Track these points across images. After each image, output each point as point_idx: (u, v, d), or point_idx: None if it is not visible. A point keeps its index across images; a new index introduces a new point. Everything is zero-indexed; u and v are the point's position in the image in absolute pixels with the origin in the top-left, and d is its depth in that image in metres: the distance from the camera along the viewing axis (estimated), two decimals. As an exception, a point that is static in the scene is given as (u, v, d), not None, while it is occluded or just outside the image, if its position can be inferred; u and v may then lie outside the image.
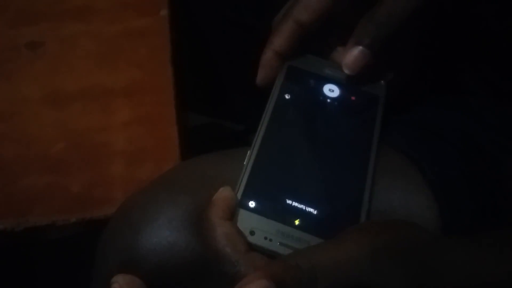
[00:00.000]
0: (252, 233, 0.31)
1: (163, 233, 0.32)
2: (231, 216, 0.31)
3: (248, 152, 0.34)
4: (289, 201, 0.33)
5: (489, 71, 0.45)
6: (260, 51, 0.40)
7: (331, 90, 0.38)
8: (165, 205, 0.33)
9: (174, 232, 0.32)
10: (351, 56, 0.37)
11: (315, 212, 0.33)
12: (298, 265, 0.27)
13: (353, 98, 0.38)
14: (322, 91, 0.38)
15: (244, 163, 0.34)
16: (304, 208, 0.33)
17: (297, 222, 0.32)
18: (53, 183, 0.43)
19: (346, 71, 0.37)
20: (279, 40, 0.37)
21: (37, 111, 0.46)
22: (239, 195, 0.32)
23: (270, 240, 0.31)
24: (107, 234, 0.35)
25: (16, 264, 0.51)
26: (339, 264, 0.28)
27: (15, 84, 0.47)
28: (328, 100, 0.38)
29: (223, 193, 0.32)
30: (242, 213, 0.32)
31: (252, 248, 0.31)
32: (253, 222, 0.31)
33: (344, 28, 0.38)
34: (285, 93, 0.38)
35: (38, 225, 0.42)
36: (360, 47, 0.36)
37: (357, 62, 0.37)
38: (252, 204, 0.32)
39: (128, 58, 0.48)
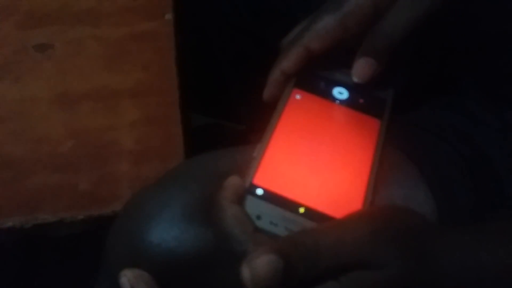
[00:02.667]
0: (258, 218, 0.33)
1: (171, 225, 0.33)
2: (239, 200, 0.33)
3: (258, 145, 0.36)
4: (295, 190, 0.34)
5: (486, 73, 0.47)
6: (262, 54, 0.41)
7: (340, 93, 0.40)
8: (176, 194, 0.34)
9: (183, 223, 0.33)
10: (359, 66, 0.39)
11: (319, 202, 0.34)
12: (304, 243, 0.29)
13: (361, 100, 0.40)
14: (332, 92, 0.40)
15: (254, 154, 0.35)
16: (309, 197, 0.34)
17: (302, 210, 0.33)
18: (61, 181, 0.44)
19: (355, 80, 0.39)
20: (288, 63, 0.39)
21: (45, 111, 0.47)
22: (247, 183, 0.34)
23: (276, 225, 0.32)
24: (116, 228, 0.36)
25: (24, 261, 0.51)
26: (341, 243, 0.29)
27: (24, 85, 0.48)
28: (337, 101, 0.40)
29: (232, 180, 0.33)
30: (250, 199, 0.33)
31: (259, 230, 0.32)
32: (260, 208, 0.33)
33: (348, 47, 0.40)
34: (296, 93, 0.39)
35: (47, 222, 0.42)
36: (367, 58, 0.38)
37: (365, 71, 0.39)
38: (259, 191, 0.34)
39: (134, 61, 0.49)
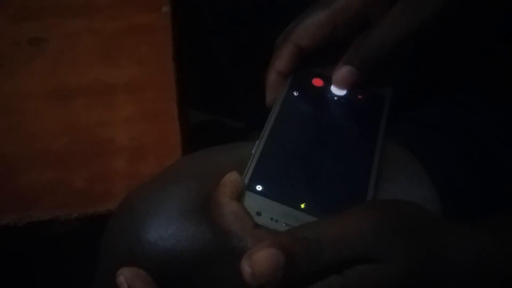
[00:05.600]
0: (258, 214, 0.32)
1: (169, 223, 0.32)
2: (238, 197, 0.32)
3: (257, 141, 0.35)
4: (295, 186, 0.34)
5: (489, 69, 0.46)
6: (262, 50, 0.41)
7: (338, 89, 0.39)
8: (174, 191, 0.33)
9: (181, 221, 0.32)
10: (341, 73, 0.39)
11: (321, 197, 0.33)
12: (306, 237, 0.28)
13: (359, 96, 0.40)
14: (329, 89, 0.40)
15: (253, 151, 0.35)
16: (310, 193, 0.33)
17: (302, 205, 0.33)
18: (56, 178, 0.43)
19: (335, 86, 0.39)
20: (281, 62, 0.39)
21: (39, 107, 0.46)
22: (246, 180, 0.33)
23: (276, 221, 0.32)
24: (112, 226, 0.35)
25: (18, 259, 0.51)
26: (344, 236, 0.28)
27: (17, 80, 0.47)
28: (336, 97, 0.39)
29: (231, 177, 0.32)
30: (249, 195, 0.33)
31: (258, 226, 0.31)
32: (259, 204, 0.32)
33: (342, 44, 0.39)
34: (294, 89, 0.39)
35: (41, 220, 0.42)
36: (350, 67, 0.38)
37: (345, 79, 0.39)
38: (259, 187, 0.33)
39: (130, 55, 0.48)
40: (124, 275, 0.31)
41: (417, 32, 0.37)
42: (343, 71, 0.38)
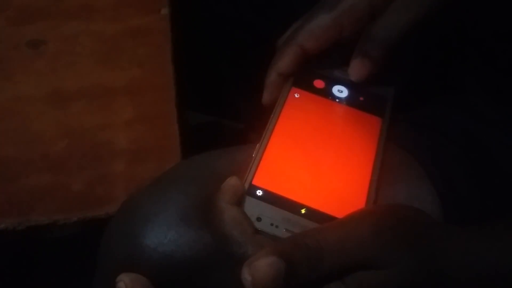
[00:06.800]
0: (258, 219, 0.32)
1: (169, 228, 0.32)
2: (239, 202, 0.32)
3: (257, 145, 0.35)
4: (296, 191, 0.33)
5: (490, 70, 0.46)
6: (262, 51, 0.40)
7: (340, 91, 0.39)
8: (173, 196, 0.33)
9: (180, 226, 0.32)
10: (355, 66, 0.39)
11: (321, 202, 0.33)
12: (306, 244, 0.28)
13: (361, 98, 0.39)
14: (331, 91, 0.39)
15: (253, 155, 0.34)
16: (310, 198, 0.33)
17: (303, 211, 0.32)
18: (55, 181, 0.43)
19: (353, 79, 0.39)
20: (283, 63, 0.39)
21: (38, 110, 0.46)
22: (247, 184, 0.33)
23: (276, 226, 0.32)
24: (111, 230, 0.35)
25: (17, 263, 0.51)
26: (344, 243, 0.28)
27: (16, 83, 0.47)
28: (337, 100, 0.39)
29: (231, 181, 0.32)
30: (249, 200, 0.32)
31: (258, 232, 0.31)
32: (260, 210, 0.32)
33: (346, 46, 0.39)
34: (296, 91, 0.39)
35: (40, 224, 0.41)
36: (363, 57, 0.38)
37: (361, 71, 0.39)
38: (259, 192, 0.33)
39: (129, 57, 0.48)
40: (123, 281, 0.31)
41: (422, 17, 0.37)
42: (357, 63, 0.38)
